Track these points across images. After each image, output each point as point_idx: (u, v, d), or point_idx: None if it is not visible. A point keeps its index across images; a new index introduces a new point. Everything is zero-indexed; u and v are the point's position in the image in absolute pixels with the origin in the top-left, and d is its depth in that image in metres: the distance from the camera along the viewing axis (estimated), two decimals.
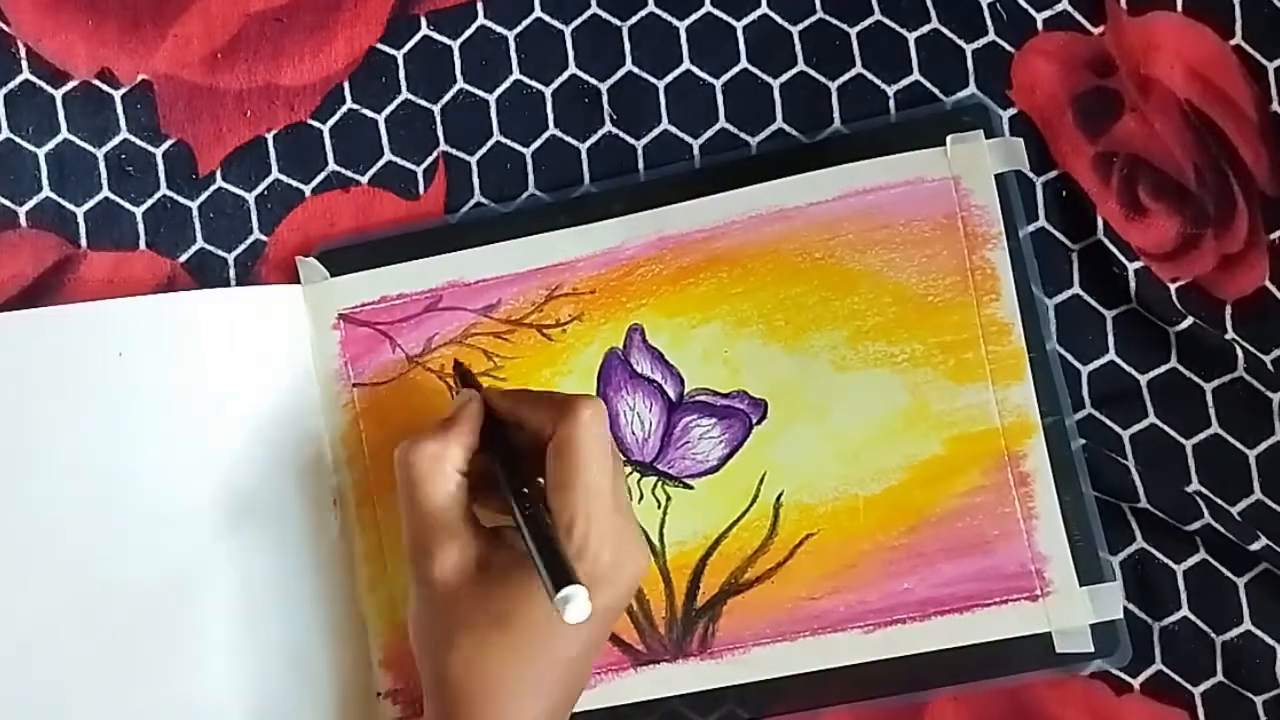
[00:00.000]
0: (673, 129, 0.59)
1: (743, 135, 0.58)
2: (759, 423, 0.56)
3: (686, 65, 0.59)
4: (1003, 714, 0.55)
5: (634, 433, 0.56)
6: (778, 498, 0.56)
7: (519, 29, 0.60)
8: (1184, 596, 0.55)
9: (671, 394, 0.57)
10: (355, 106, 0.60)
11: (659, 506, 0.56)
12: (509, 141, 0.59)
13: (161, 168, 0.60)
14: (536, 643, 0.47)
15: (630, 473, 0.56)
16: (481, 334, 0.57)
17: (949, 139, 0.56)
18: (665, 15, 0.59)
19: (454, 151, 0.60)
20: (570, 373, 0.57)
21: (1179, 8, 0.58)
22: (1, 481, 0.56)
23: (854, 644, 0.55)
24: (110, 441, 0.56)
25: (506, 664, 0.47)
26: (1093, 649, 0.54)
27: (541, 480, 0.48)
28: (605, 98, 0.59)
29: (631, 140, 0.59)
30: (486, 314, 0.57)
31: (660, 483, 0.56)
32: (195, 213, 0.60)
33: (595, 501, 0.47)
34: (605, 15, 0.60)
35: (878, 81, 0.58)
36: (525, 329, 0.57)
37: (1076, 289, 0.57)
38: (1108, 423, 0.56)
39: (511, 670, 0.47)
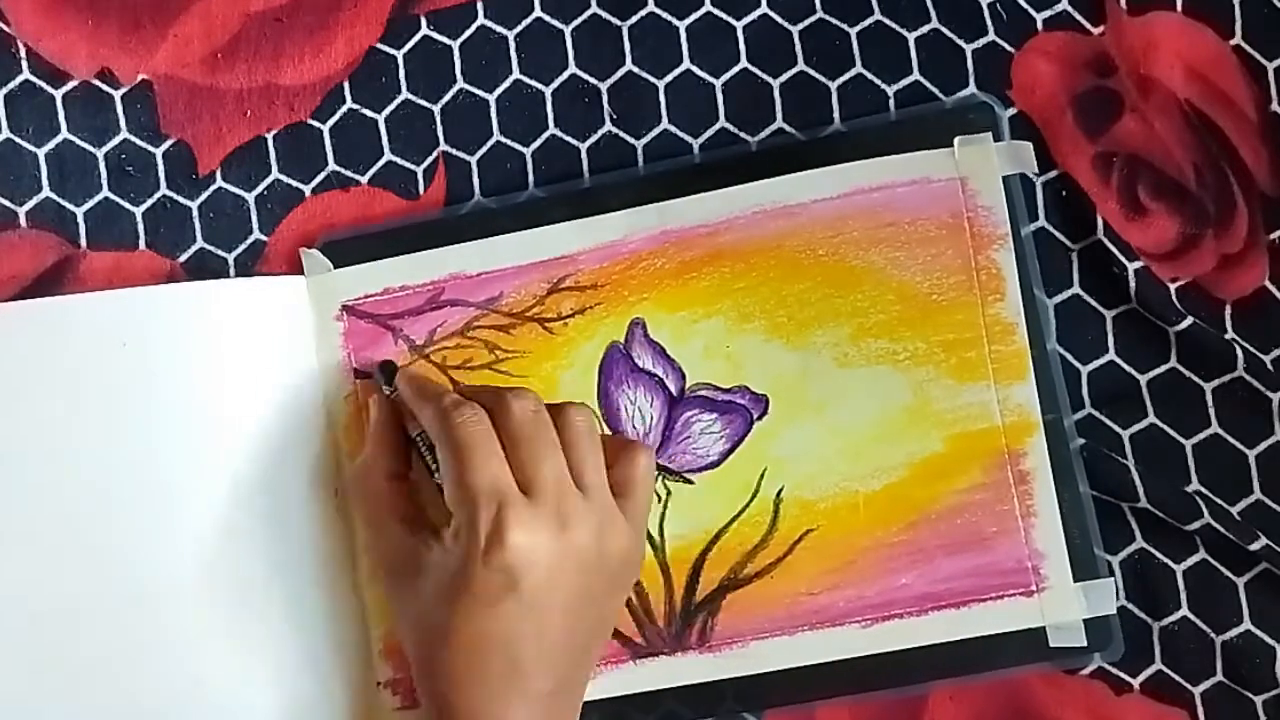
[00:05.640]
0: (673, 128, 0.59)
1: (743, 135, 0.58)
2: (760, 418, 0.56)
3: (686, 65, 0.59)
4: (1002, 714, 0.55)
5: (635, 427, 0.56)
6: (778, 493, 0.56)
7: (519, 29, 0.60)
8: (1184, 596, 0.55)
9: (673, 388, 0.57)
10: (355, 106, 0.60)
11: (659, 501, 0.56)
12: (509, 141, 0.59)
13: (161, 168, 0.60)
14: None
15: None
16: (484, 327, 0.57)
17: (957, 140, 0.56)
18: (665, 15, 0.59)
19: (454, 151, 0.59)
20: (571, 366, 0.57)
21: (1179, 8, 0.58)
22: (4, 471, 0.56)
23: (852, 638, 0.55)
24: (113, 432, 0.56)
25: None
26: (1086, 644, 0.54)
27: None
28: (605, 97, 0.59)
29: (631, 140, 0.59)
30: (489, 307, 0.57)
31: (660, 477, 0.56)
32: (195, 213, 0.60)
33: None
34: (605, 15, 0.59)
35: (878, 81, 0.58)
36: (527, 322, 0.57)
37: (1076, 289, 0.57)
38: (1107, 422, 0.56)
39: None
